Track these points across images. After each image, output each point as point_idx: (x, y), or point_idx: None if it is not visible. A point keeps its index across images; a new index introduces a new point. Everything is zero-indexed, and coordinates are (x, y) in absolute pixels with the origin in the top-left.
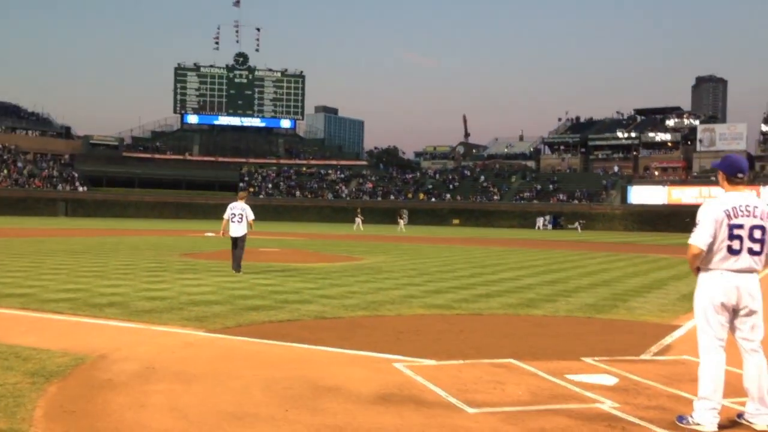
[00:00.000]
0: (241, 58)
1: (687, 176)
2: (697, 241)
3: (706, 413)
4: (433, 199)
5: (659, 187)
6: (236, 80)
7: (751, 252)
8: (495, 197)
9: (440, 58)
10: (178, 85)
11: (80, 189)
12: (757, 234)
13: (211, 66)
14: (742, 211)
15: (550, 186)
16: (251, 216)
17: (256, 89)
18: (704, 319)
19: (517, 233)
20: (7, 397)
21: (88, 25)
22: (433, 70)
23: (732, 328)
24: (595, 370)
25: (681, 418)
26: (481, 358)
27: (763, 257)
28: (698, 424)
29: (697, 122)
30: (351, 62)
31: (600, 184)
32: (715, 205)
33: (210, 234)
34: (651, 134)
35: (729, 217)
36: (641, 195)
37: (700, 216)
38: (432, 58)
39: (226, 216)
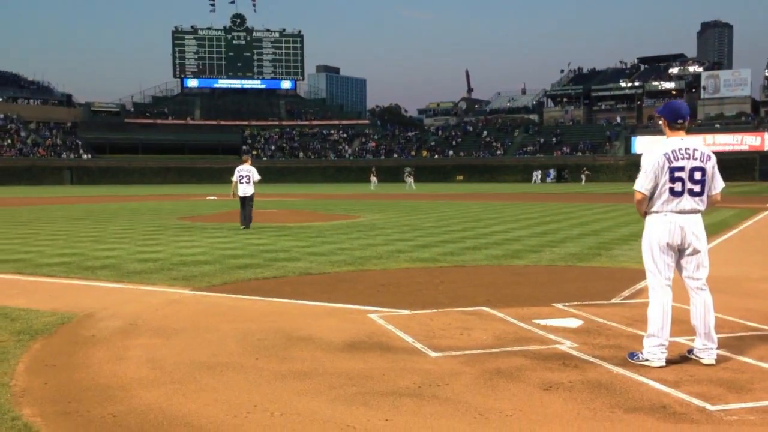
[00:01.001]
0: (239, 20)
1: (692, 124)
2: (640, 187)
3: (654, 349)
4: (436, 156)
5: (663, 137)
6: (234, 42)
7: (692, 193)
8: (498, 152)
9: (440, 13)
10: (177, 49)
11: (84, 157)
12: (697, 175)
13: (209, 28)
14: (681, 154)
15: (554, 139)
16: (257, 177)
17: (255, 50)
18: (651, 259)
19: (519, 187)
20: None
21: None
22: (434, 26)
23: (678, 268)
24: (562, 315)
25: (632, 355)
26: (455, 307)
27: (704, 198)
28: (647, 360)
29: (701, 69)
30: (352, 21)
31: (604, 136)
32: (656, 150)
33: (212, 198)
34: (654, 83)
35: (669, 160)
36: (645, 145)
37: (643, 162)
38: (432, 13)
39: (234, 178)
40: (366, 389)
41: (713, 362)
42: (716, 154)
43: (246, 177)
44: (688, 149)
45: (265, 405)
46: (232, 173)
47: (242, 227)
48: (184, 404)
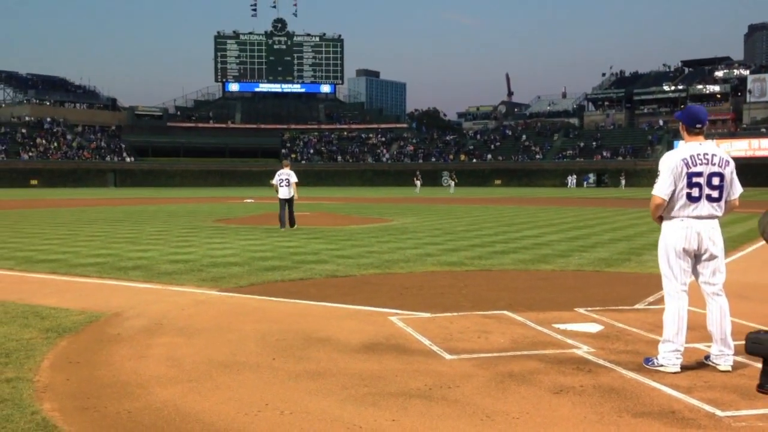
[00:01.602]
0: (279, 24)
1: (737, 128)
2: (659, 192)
3: (668, 355)
4: (474, 160)
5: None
6: (275, 47)
7: (710, 199)
8: (537, 156)
9: (481, 17)
10: (219, 54)
11: (128, 159)
12: (716, 181)
13: (250, 33)
14: (700, 159)
15: (594, 143)
16: (295, 179)
17: (295, 55)
18: (667, 265)
19: (556, 192)
20: (19, 350)
21: None
22: (474, 30)
23: (695, 273)
24: (583, 319)
25: (647, 360)
26: (476, 311)
27: (722, 204)
28: (662, 366)
29: (747, 72)
30: (392, 25)
31: (645, 140)
32: (674, 154)
33: (249, 200)
34: (699, 86)
35: (687, 165)
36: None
37: (661, 167)
38: (473, 17)
39: (274, 181)
40: (377, 390)
41: (729, 368)
42: (762, 158)
43: (285, 180)
44: (707, 154)
45: (276, 404)
46: (271, 176)
47: (282, 228)
48: (198, 402)
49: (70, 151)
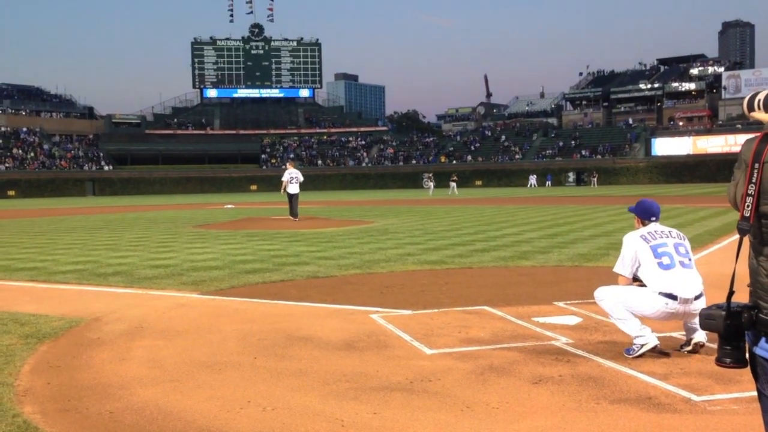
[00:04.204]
0: (257, 29)
1: (713, 125)
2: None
3: (638, 330)
4: (455, 162)
5: (684, 138)
6: (253, 52)
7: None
8: (517, 156)
9: (459, 19)
10: (196, 60)
11: (106, 168)
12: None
13: (227, 39)
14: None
15: (572, 142)
16: (301, 178)
17: (273, 60)
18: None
19: (537, 191)
20: None
21: (102, 5)
22: (452, 32)
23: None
24: (562, 312)
25: (628, 351)
26: (456, 307)
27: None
28: (643, 345)
29: (722, 69)
30: (370, 28)
31: (623, 138)
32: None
33: (229, 206)
34: (675, 84)
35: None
36: (665, 146)
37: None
38: (451, 18)
39: (284, 178)
40: (358, 385)
41: (704, 339)
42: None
43: (294, 178)
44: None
45: (258, 401)
46: (250, 181)
47: (293, 219)
48: (180, 401)
49: (48, 160)
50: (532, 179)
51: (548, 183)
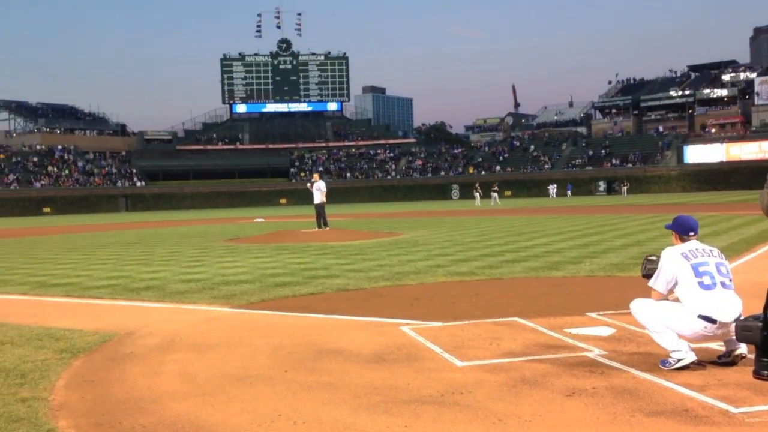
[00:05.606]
0: (285, 44)
1: (746, 131)
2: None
3: (675, 344)
4: (483, 172)
5: (716, 145)
6: (281, 67)
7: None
8: (546, 166)
9: (486, 30)
10: (225, 76)
11: (138, 184)
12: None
13: (256, 54)
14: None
15: (602, 151)
16: (325, 189)
17: (301, 74)
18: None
19: (566, 201)
20: (34, 371)
21: (134, 26)
22: (479, 43)
23: None
24: (595, 323)
25: (663, 362)
26: (487, 318)
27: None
28: (679, 360)
29: (754, 75)
30: (397, 41)
31: (654, 146)
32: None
33: (260, 220)
34: (706, 90)
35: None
36: (698, 154)
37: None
38: (477, 29)
39: (310, 188)
40: (389, 398)
41: (746, 352)
42: None
43: (318, 189)
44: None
45: (289, 414)
46: (279, 195)
47: (320, 228)
48: (212, 414)
49: (82, 177)
50: (552, 189)
51: (569, 192)
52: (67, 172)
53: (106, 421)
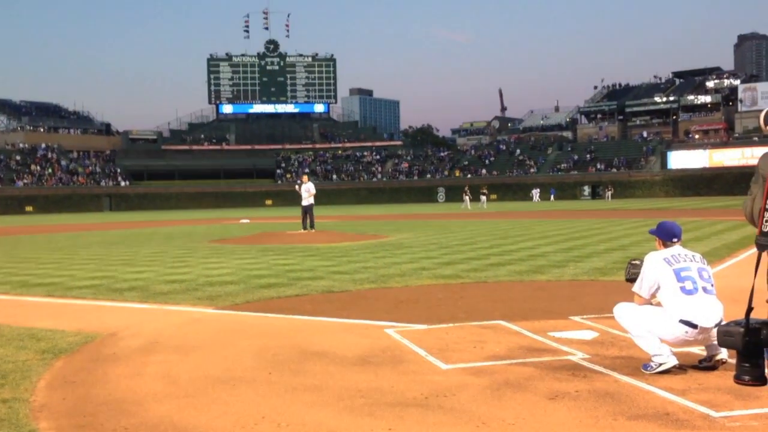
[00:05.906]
0: (272, 45)
1: (729, 138)
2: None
3: (657, 348)
4: (469, 176)
5: (699, 151)
6: (268, 68)
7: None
8: (531, 170)
9: (473, 33)
10: (212, 76)
11: (123, 184)
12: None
13: (243, 55)
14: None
15: (587, 156)
16: (313, 190)
17: (288, 75)
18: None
19: (552, 205)
20: (15, 372)
21: (120, 23)
22: (466, 46)
23: None
24: (578, 327)
25: (645, 366)
26: (471, 321)
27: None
28: (661, 364)
29: (737, 82)
30: (384, 44)
31: (639, 151)
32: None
33: (245, 221)
34: (690, 97)
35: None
36: (681, 160)
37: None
38: (465, 33)
39: (298, 189)
40: (373, 400)
41: (726, 357)
42: (756, 167)
43: (306, 191)
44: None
45: (272, 416)
46: (265, 196)
47: (305, 230)
48: (195, 416)
49: (66, 176)
50: (536, 193)
51: (551, 197)
52: (50, 170)
53: (87, 423)
